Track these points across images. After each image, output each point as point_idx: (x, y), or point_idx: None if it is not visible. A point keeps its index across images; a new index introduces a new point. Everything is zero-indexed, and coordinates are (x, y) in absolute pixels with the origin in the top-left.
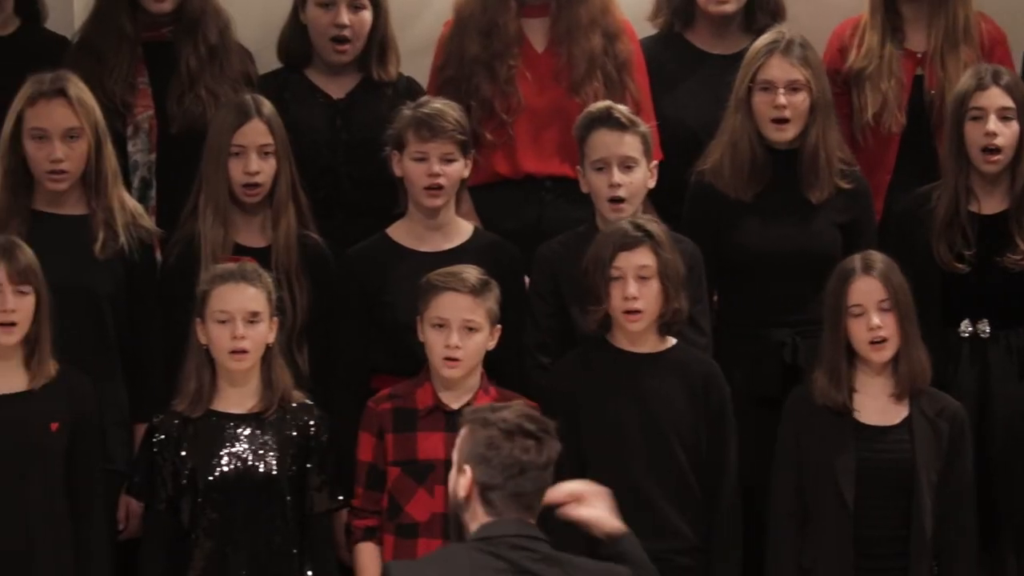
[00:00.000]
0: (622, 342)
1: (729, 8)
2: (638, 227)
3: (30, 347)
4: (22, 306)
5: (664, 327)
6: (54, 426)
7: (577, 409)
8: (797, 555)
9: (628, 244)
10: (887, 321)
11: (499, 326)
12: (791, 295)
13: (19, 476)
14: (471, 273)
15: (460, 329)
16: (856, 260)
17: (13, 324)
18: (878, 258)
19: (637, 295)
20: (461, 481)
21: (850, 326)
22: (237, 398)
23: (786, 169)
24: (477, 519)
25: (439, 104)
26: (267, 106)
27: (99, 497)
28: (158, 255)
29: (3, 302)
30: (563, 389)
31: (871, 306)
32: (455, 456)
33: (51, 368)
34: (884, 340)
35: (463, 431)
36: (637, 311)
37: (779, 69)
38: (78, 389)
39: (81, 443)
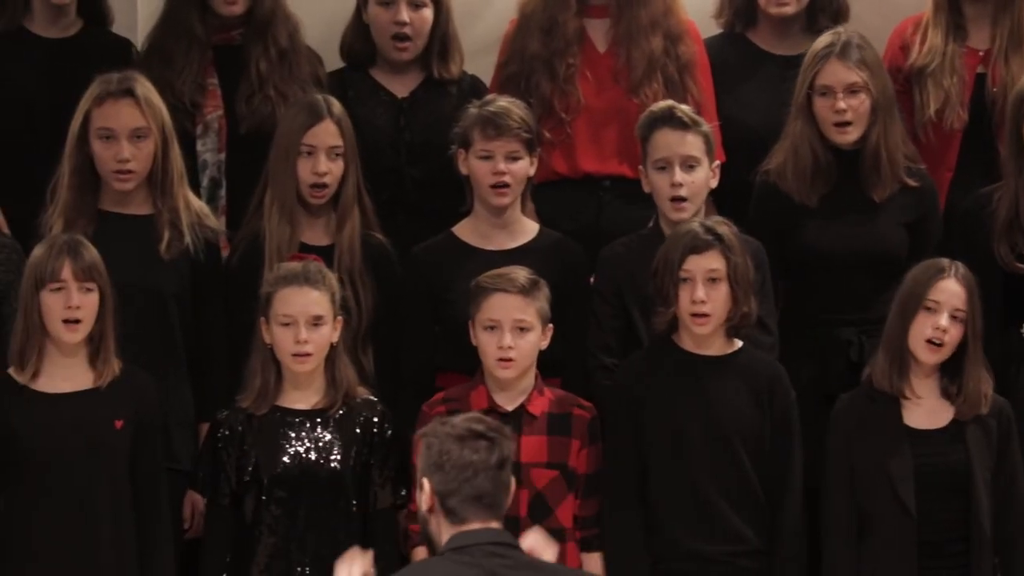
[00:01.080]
0: (688, 344)
1: (788, 10)
2: (708, 230)
3: (95, 345)
4: (87, 304)
5: (732, 330)
6: (118, 424)
7: (641, 411)
8: (855, 566)
9: (698, 247)
10: (953, 330)
11: (551, 325)
12: (856, 294)
13: (84, 473)
14: (520, 273)
15: (512, 330)
16: (950, 263)
17: (78, 321)
18: (970, 275)
19: (705, 298)
20: (422, 496)
21: (916, 320)
22: (301, 395)
23: (850, 169)
24: (445, 530)
25: (505, 102)
26: (338, 107)
27: (163, 495)
28: (225, 254)
29: (68, 299)
30: (627, 390)
31: (946, 308)
32: (417, 473)
33: (115, 366)
34: (942, 344)
35: (420, 447)
36: (705, 314)
37: (837, 73)
38: (142, 388)
39: (144, 441)
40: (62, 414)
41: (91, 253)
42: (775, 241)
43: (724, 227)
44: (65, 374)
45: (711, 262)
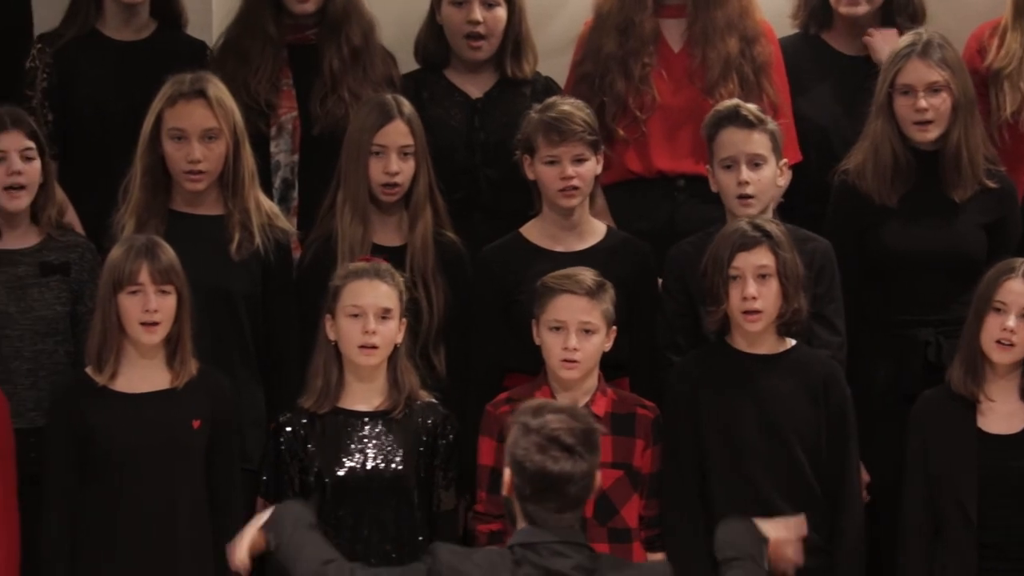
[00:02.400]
0: (741, 343)
1: (860, 10)
2: (756, 227)
3: (172, 346)
4: (164, 306)
5: (783, 327)
6: (196, 423)
7: (697, 411)
8: (927, 566)
9: (746, 244)
10: (1022, 330)
11: (615, 327)
12: (935, 295)
13: (162, 473)
14: (586, 275)
15: (577, 331)
16: (1021, 263)
17: (156, 323)
18: None
19: (756, 295)
20: (504, 479)
21: (986, 321)
22: (364, 396)
23: (930, 170)
24: (519, 521)
25: (566, 106)
26: (408, 107)
27: (238, 494)
28: (297, 255)
29: (146, 302)
30: (682, 391)
31: (1014, 309)
32: (504, 457)
33: (192, 367)
34: (1012, 344)
35: (511, 431)
36: (756, 311)
37: (918, 72)
38: (218, 388)
39: (221, 441)
40: (140, 414)
41: (168, 255)
42: (854, 241)
43: (773, 224)
44: (143, 374)
45: (760, 258)
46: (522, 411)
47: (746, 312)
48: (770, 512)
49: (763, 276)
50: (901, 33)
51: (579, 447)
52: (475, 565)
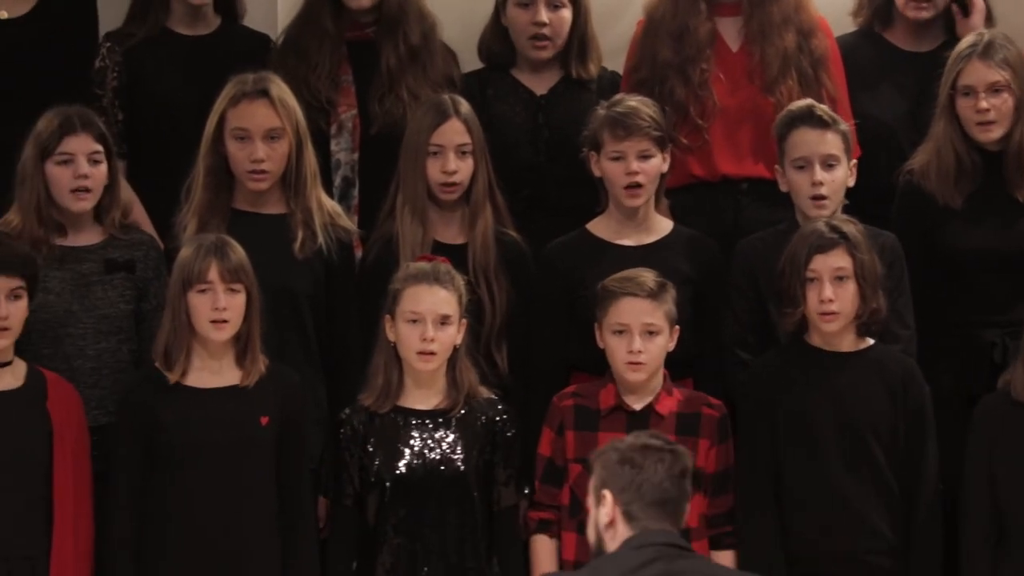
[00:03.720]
0: (818, 342)
1: (926, 14)
2: (833, 228)
3: (241, 344)
4: (233, 305)
5: (862, 327)
6: (264, 420)
7: (774, 410)
8: (993, 568)
9: (824, 246)
10: None
11: (677, 327)
12: (1001, 296)
13: (230, 469)
14: (647, 276)
15: (641, 333)
16: None
17: (225, 321)
18: None
19: (833, 297)
20: (603, 510)
21: None
22: (423, 395)
23: (994, 170)
24: (621, 536)
25: (633, 102)
26: (465, 106)
27: (306, 492)
28: (359, 254)
29: (215, 300)
30: (760, 389)
31: None
32: (590, 491)
33: (262, 364)
34: None
35: (596, 465)
36: (833, 313)
37: (979, 73)
38: (287, 386)
39: (289, 439)
40: (209, 410)
41: (238, 254)
42: (919, 241)
43: (850, 225)
44: (212, 371)
45: (837, 260)
46: (599, 452)
47: (823, 314)
48: (847, 511)
49: (840, 278)
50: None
51: (670, 446)
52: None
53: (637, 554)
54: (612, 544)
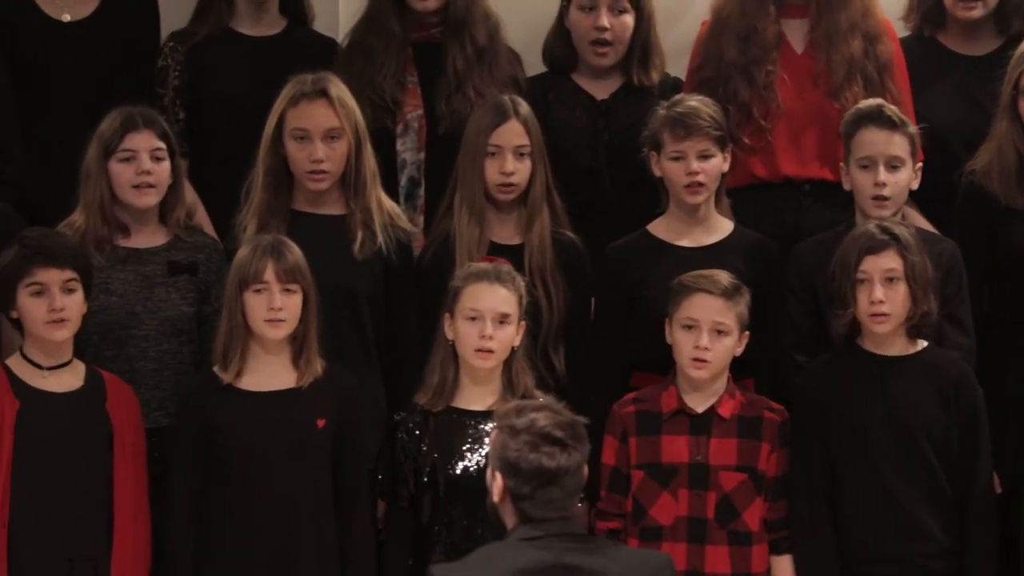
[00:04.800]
0: (871, 345)
1: (975, 14)
2: (884, 230)
3: (298, 345)
4: (289, 304)
5: (913, 330)
6: (320, 423)
7: (827, 413)
8: None
9: (874, 247)
10: None
11: (747, 332)
12: None
13: (286, 471)
14: (723, 276)
15: (710, 331)
16: None
17: (281, 320)
18: None
19: (884, 299)
20: (494, 486)
21: None
22: (478, 396)
23: None
24: (511, 520)
25: (693, 102)
26: (524, 107)
27: (364, 494)
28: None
29: (271, 300)
30: (812, 392)
31: None
32: (489, 462)
33: (318, 366)
34: None
35: (494, 434)
36: (884, 314)
37: None
38: (344, 388)
39: (346, 441)
40: (265, 413)
41: (295, 255)
42: (981, 243)
43: (901, 227)
44: (268, 372)
45: (888, 262)
46: (503, 415)
47: (874, 315)
48: (900, 514)
49: (891, 280)
50: None
51: (568, 439)
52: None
53: (525, 547)
54: (506, 517)
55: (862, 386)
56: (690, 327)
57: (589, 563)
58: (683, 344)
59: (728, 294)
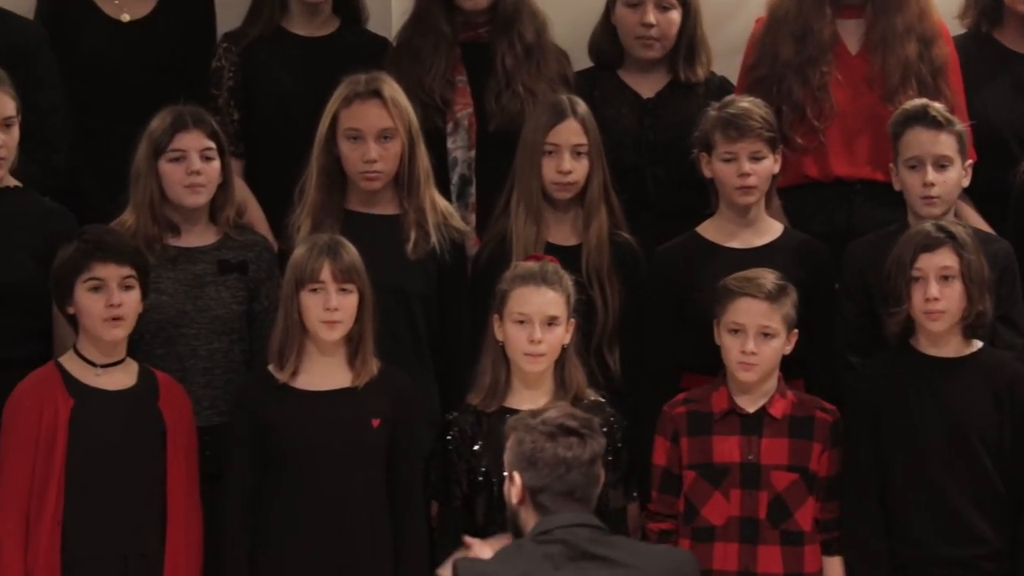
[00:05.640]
0: (925, 346)
1: None
2: (940, 228)
3: (353, 345)
4: (345, 304)
5: (968, 329)
6: (375, 423)
7: (880, 414)
8: None
9: (930, 245)
10: None
11: (795, 331)
12: None
13: (341, 471)
14: (768, 278)
15: (756, 335)
16: None
17: (337, 321)
18: None
19: (938, 296)
20: (512, 489)
21: None
22: (531, 396)
23: None
24: (532, 521)
25: (745, 103)
26: (582, 106)
27: (419, 493)
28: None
29: (327, 300)
30: (865, 393)
31: None
32: (506, 465)
33: (373, 366)
34: None
35: (509, 440)
36: (938, 312)
37: None
38: (399, 388)
39: (401, 441)
40: (319, 412)
41: (351, 255)
42: None
43: (957, 226)
44: (324, 372)
45: (943, 260)
46: (517, 419)
47: (928, 312)
48: (953, 516)
49: (946, 278)
50: None
51: (584, 430)
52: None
53: (542, 548)
54: (524, 521)
55: (916, 387)
56: (736, 331)
57: (612, 554)
58: (730, 347)
59: (773, 297)
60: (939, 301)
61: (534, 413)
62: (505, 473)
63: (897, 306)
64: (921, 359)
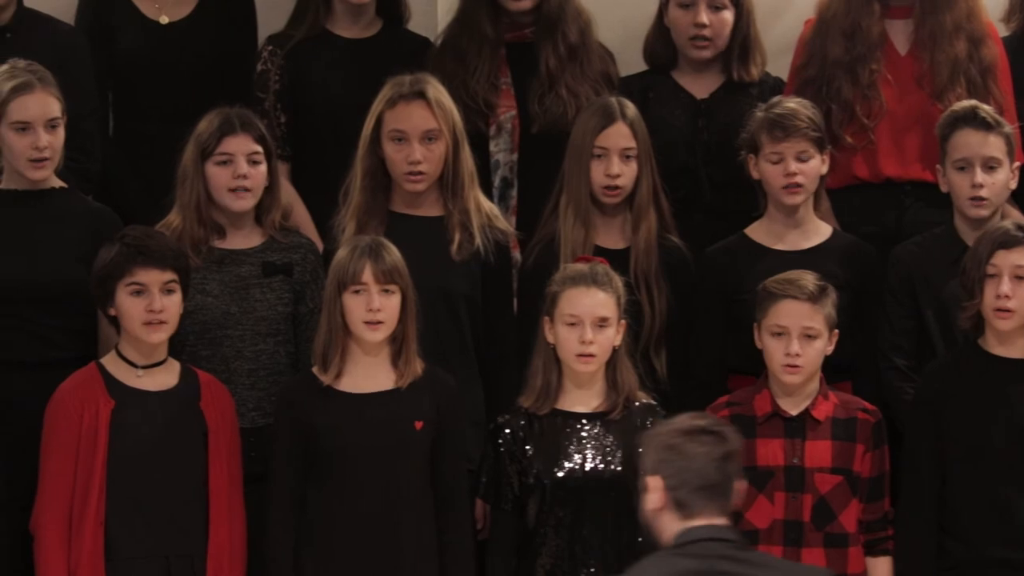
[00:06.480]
0: (993, 345)
1: None
2: (1020, 227)
3: (397, 346)
4: (388, 305)
5: None
6: (418, 424)
7: (942, 415)
8: None
9: (1008, 242)
10: None
11: (836, 331)
12: None
13: (386, 472)
14: (808, 279)
15: (800, 337)
16: None
17: (380, 322)
18: None
19: (1011, 294)
20: (651, 496)
21: None
22: (582, 398)
23: None
24: (670, 527)
25: (791, 103)
26: (631, 109)
27: (463, 494)
28: (517, 255)
29: (369, 301)
30: (930, 394)
31: None
32: (640, 475)
33: (417, 367)
34: None
35: (644, 447)
36: (1008, 310)
37: None
38: (443, 389)
39: (445, 441)
40: (363, 413)
41: (393, 256)
42: None
43: None
44: (367, 374)
45: (1019, 258)
46: (652, 432)
47: (998, 310)
48: (1015, 519)
49: (1020, 277)
50: None
51: (717, 428)
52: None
53: (676, 563)
54: (663, 530)
55: (982, 388)
56: (779, 334)
57: (745, 572)
58: (774, 350)
59: (814, 297)
60: (1011, 299)
61: (664, 422)
62: (643, 482)
63: (969, 299)
64: (989, 359)
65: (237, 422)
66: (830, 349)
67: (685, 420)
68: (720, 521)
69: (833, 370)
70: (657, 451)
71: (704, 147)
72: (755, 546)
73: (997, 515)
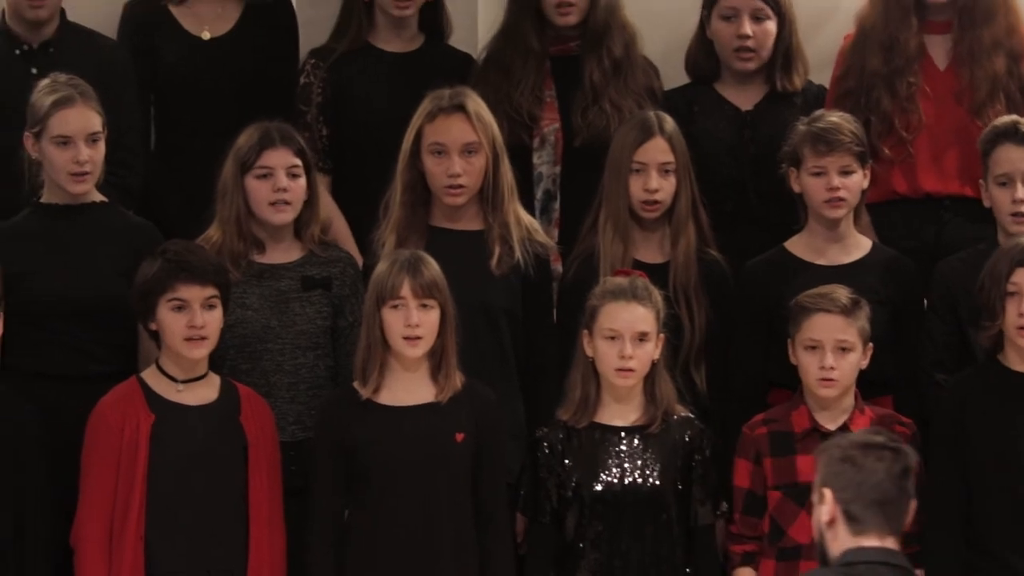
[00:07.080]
0: (1014, 362)
1: None
2: None
3: (436, 360)
4: (426, 321)
5: None
6: (459, 437)
7: (966, 430)
8: None
9: None
10: None
11: (871, 344)
12: None
13: (426, 486)
14: (841, 293)
15: (834, 350)
16: None
17: (418, 337)
18: None
19: None
20: (823, 508)
21: None
22: (621, 411)
23: None
24: (841, 542)
25: (834, 117)
26: (670, 124)
27: (504, 508)
28: (558, 268)
29: (408, 316)
30: (951, 409)
31: None
32: (814, 488)
33: (457, 381)
34: None
35: (819, 460)
36: None
37: None
38: (484, 402)
39: (485, 455)
40: (403, 427)
41: (432, 270)
42: None
43: None
44: (407, 387)
45: None
46: (826, 444)
47: (1021, 328)
48: None
49: None
50: None
51: (894, 443)
52: None
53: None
54: (833, 544)
55: (1003, 404)
56: (813, 347)
57: None
58: (809, 365)
59: (848, 311)
60: None
61: (841, 435)
62: (815, 495)
63: (990, 320)
64: (1009, 375)
65: (277, 436)
66: (865, 363)
67: (862, 434)
68: (891, 544)
69: (873, 386)
70: (832, 463)
71: (751, 159)
72: (797, 561)
73: (1021, 527)
